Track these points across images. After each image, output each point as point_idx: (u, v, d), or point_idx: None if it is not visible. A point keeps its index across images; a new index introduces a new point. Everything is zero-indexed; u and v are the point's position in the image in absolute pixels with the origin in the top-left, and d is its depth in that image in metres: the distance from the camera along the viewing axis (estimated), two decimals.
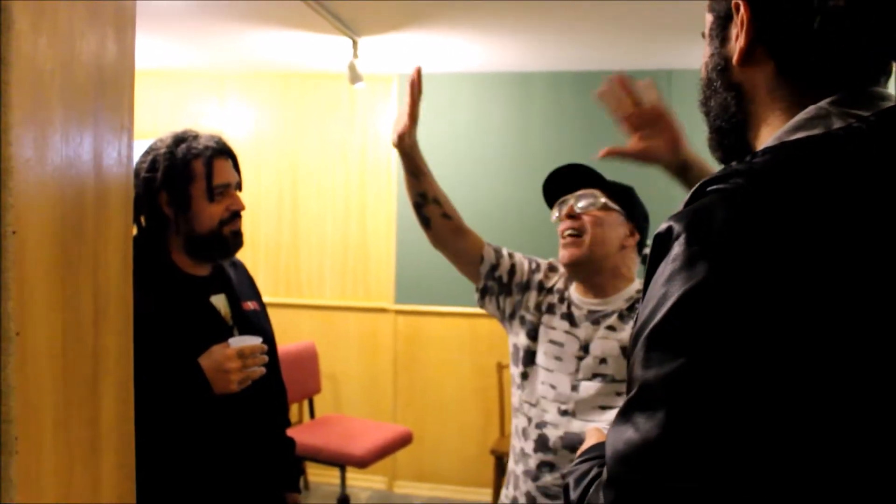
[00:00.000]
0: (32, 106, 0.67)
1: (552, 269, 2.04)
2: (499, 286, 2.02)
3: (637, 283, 1.92)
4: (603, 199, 1.87)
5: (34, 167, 0.67)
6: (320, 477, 4.56)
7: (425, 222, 2.06)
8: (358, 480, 4.58)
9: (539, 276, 2.02)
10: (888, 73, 0.81)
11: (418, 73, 1.94)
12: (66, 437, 0.75)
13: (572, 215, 1.86)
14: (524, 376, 1.93)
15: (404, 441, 4.09)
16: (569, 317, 1.91)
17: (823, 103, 0.78)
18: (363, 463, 3.80)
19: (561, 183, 1.94)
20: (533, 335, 1.94)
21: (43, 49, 0.69)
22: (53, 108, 0.72)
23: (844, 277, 0.66)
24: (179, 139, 1.79)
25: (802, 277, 0.66)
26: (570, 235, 1.86)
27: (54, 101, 0.72)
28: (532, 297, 1.99)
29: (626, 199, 1.91)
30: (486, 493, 4.37)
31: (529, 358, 1.93)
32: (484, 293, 2.04)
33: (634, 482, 0.70)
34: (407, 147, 2.05)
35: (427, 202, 2.06)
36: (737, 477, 0.66)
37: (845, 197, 0.69)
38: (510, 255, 2.05)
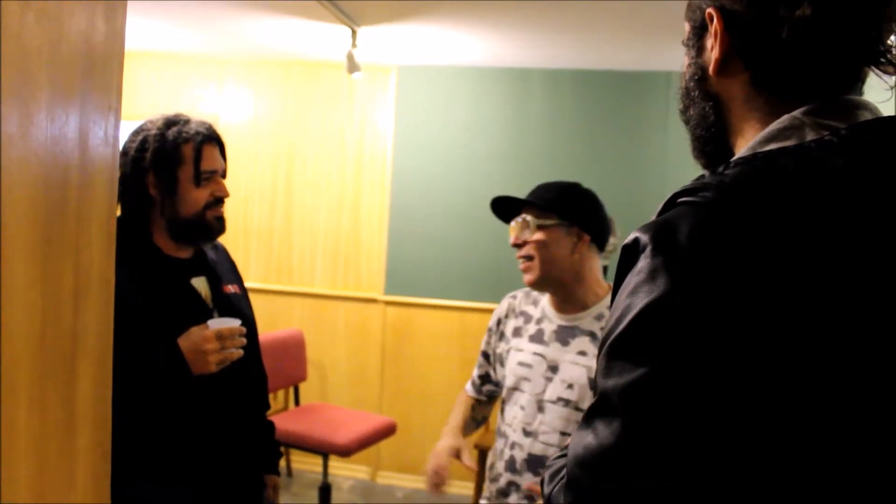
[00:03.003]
0: (17, 82, 0.67)
1: (498, 306, 2.15)
2: (492, 381, 2.16)
3: (608, 299, 1.95)
4: (537, 222, 1.93)
5: (17, 144, 0.67)
6: (303, 465, 4.57)
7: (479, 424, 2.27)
8: (341, 469, 4.59)
9: (493, 321, 2.13)
10: (862, 80, 0.81)
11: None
12: (41, 416, 0.75)
13: (518, 244, 1.96)
14: (503, 401, 2.02)
15: (389, 432, 4.10)
16: (537, 336, 1.97)
17: (797, 113, 0.78)
18: (346, 452, 3.81)
19: (506, 208, 2.04)
20: (502, 362, 2.04)
21: (30, 25, 0.69)
22: (39, 86, 0.71)
23: (804, 293, 0.66)
24: (171, 122, 1.80)
25: (762, 292, 0.67)
26: (522, 261, 1.96)
27: (40, 79, 0.71)
28: (493, 339, 2.11)
29: (562, 207, 1.95)
30: (469, 487, 4.38)
31: (502, 384, 2.03)
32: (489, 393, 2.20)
33: (590, 486, 0.71)
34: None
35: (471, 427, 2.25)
36: (688, 485, 0.67)
37: (811, 212, 0.69)
38: (484, 355, 2.18)
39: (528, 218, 1.94)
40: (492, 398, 2.20)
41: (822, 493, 0.67)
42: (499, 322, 2.09)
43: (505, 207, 2.03)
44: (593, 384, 1.82)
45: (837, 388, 0.66)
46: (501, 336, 2.06)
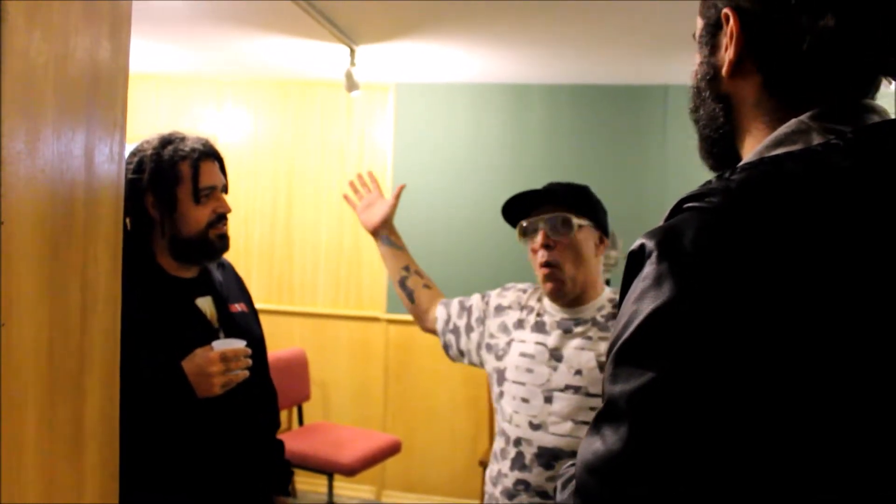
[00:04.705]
0: (25, 99, 0.68)
1: (506, 289, 2.06)
2: (455, 335, 2.07)
3: (608, 293, 1.91)
4: (576, 222, 1.83)
5: (24, 160, 0.67)
6: (308, 485, 4.54)
7: (409, 296, 2.16)
8: (346, 489, 4.56)
9: (494, 302, 2.03)
10: (876, 87, 0.81)
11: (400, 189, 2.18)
12: (49, 433, 0.75)
13: (547, 245, 1.82)
14: (500, 396, 1.92)
15: (393, 450, 4.08)
16: (538, 326, 1.90)
17: (804, 117, 0.77)
18: (351, 471, 3.78)
19: (523, 202, 1.91)
20: (501, 355, 1.94)
21: (37, 44, 0.69)
22: (46, 103, 0.72)
23: (811, 298, 0.66)
24: (166, 141, 1.79)
25: (768, 296, 0.66)
26: (548, 267, 1.83)
27: (47, 96, 0.72)
28: (493, 322, 2.00)
29: (590, 207, 1.88)
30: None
31: (501, 376, 1.92)
32: (446, 348, 2.10)
33: (599, 493, 0.71)
34: (386, 231, 2.17)
35: (410, 273, 2.16)
36: (697, 490, 0.67)
37: (817, 216, 0.69)
38: (461, 302, 2.10)
39: (570, 216, 1.82)
40: (436, 328, 2.12)
41: (830, 498, 0.66)
42: (499, 308, 1.99)
43: (516, 208, 1.91)
44: (603, 367, 1.77)
45: (845, 393, 0.66)
46: (503, 327, 1.95)
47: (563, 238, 1.82)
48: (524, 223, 1.89)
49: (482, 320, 2.03)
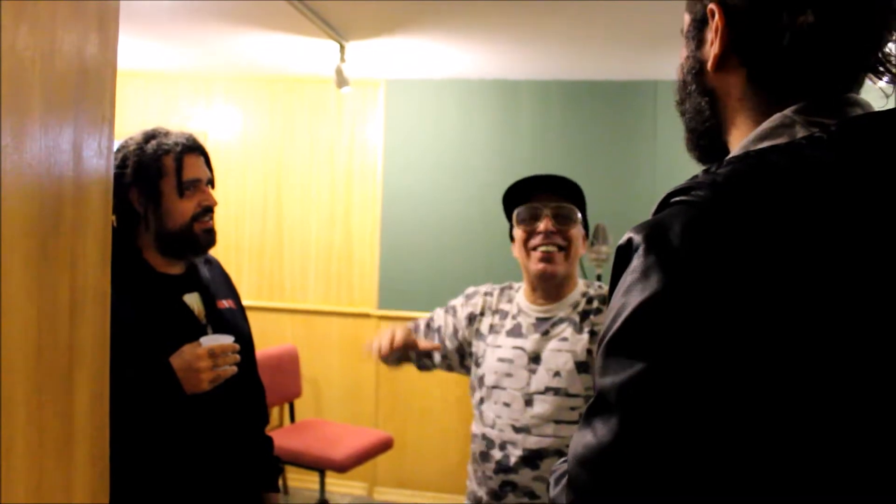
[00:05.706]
0: (11, 94, 0.67)
1: (469, 296, 2.06)
2: (429, 359, 2.08)
3: (581, 287, 1.93)
4: (578, 215, 1.88)
5: (11, 155, 0.67)
6: (300, 482, 4.54)
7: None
8: (338, 486, 4.56)
9: (462, 312, 2.03)
10: (859, 84, 0.82)
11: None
12: (39, 431, 0.74)
13: (552, 231, 1.85)
14: (480, 401, 1.93)
15: (385, 447, 4.08)
16: (515, 330, 1.91)
17: (788, 111, 0.78)
18: (343, 468, 3.78)
19: (522, 189, 1.93)
20: (480, 362, 1.95)
21: (24, 38, 0.69)
22: (33, 98, 0.71)
23: (796, 288, 0.67)
24: (149, 136, 1.80)
25: (754, 287, 0.67)
26: (546, 251, 1.85)
27: (34, 91, 0.71)
28: (468, 332, 2.01)
29: (583, 204, 1.92)
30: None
31: (481, 382, 1.94)
32: (419, 368, 2.12)
33: (590, 485, 0.72)
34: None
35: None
36: (687, 480, 0.67)
37: (802, 208, 0.69)
38: (427, 325, 2.10)
39: (574, 208, 1.87)
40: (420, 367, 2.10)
41: (818, 484, 0.67)
42: (471, 317, 2.00)
43: (514, 195, 1.93)
44: (580, 367, 1.80)
45: (831, 382, 0.66)
46: (477, 334, 1.97)
47: (567, 228, 1.86)
48: (524, 207, 1.90)
49: (455, 335, 2.03)
